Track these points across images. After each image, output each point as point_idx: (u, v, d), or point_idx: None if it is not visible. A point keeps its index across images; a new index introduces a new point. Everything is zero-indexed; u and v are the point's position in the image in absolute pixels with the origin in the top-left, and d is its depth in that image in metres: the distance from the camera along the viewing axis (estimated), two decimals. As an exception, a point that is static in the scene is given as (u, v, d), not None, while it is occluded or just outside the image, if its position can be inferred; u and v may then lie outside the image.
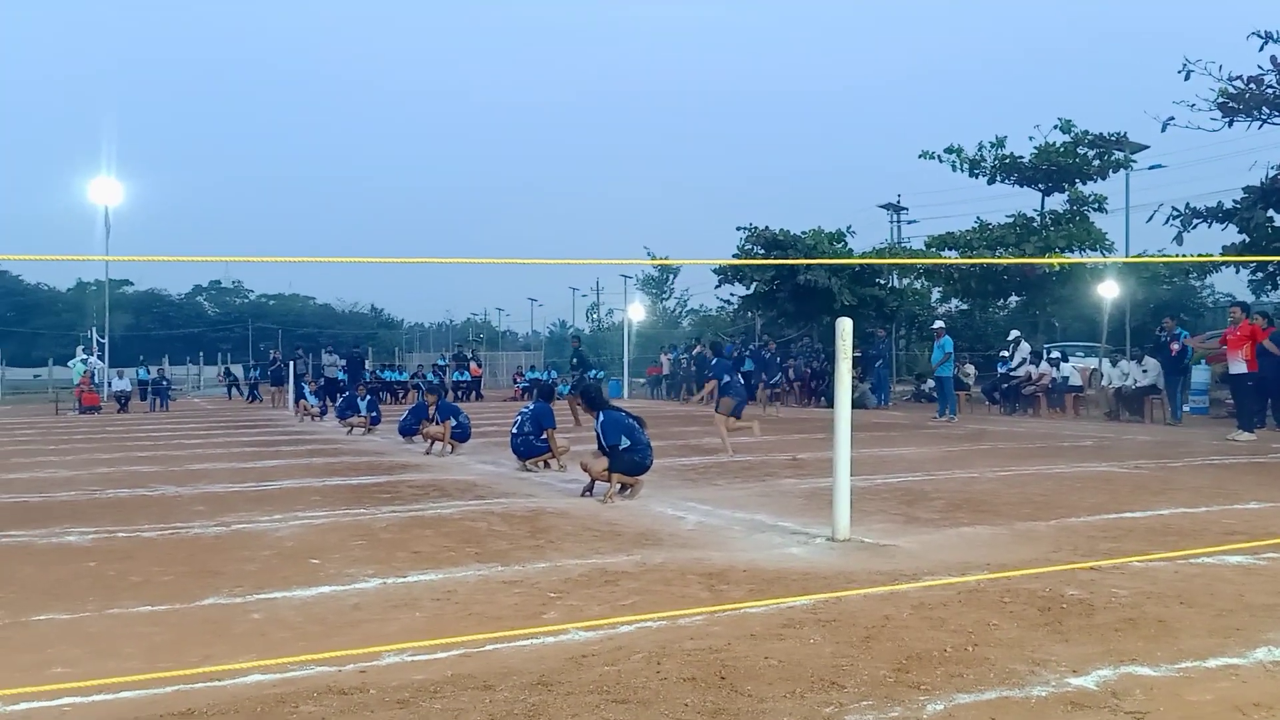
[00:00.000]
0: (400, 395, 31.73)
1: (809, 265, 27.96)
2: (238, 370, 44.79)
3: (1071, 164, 26.01)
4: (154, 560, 6.05)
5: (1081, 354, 25.64)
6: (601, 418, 8.70)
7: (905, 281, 33.55)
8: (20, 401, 38.03)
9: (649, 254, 49.69)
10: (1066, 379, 20.49)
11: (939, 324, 21.95)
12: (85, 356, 33.63)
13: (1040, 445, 13.57)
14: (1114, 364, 19.79)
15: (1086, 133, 25.94)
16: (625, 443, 8.48)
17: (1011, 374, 21.45)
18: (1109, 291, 23.52)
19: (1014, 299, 30.95)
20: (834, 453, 6.38)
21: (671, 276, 63.26)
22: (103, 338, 40.05)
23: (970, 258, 25.95)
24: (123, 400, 30.04)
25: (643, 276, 60.43)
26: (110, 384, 32.79)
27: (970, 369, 24.55)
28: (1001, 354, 22.71)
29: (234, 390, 39.25)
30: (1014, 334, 22.52)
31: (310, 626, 4.48)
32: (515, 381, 38.16)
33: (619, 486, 8.52)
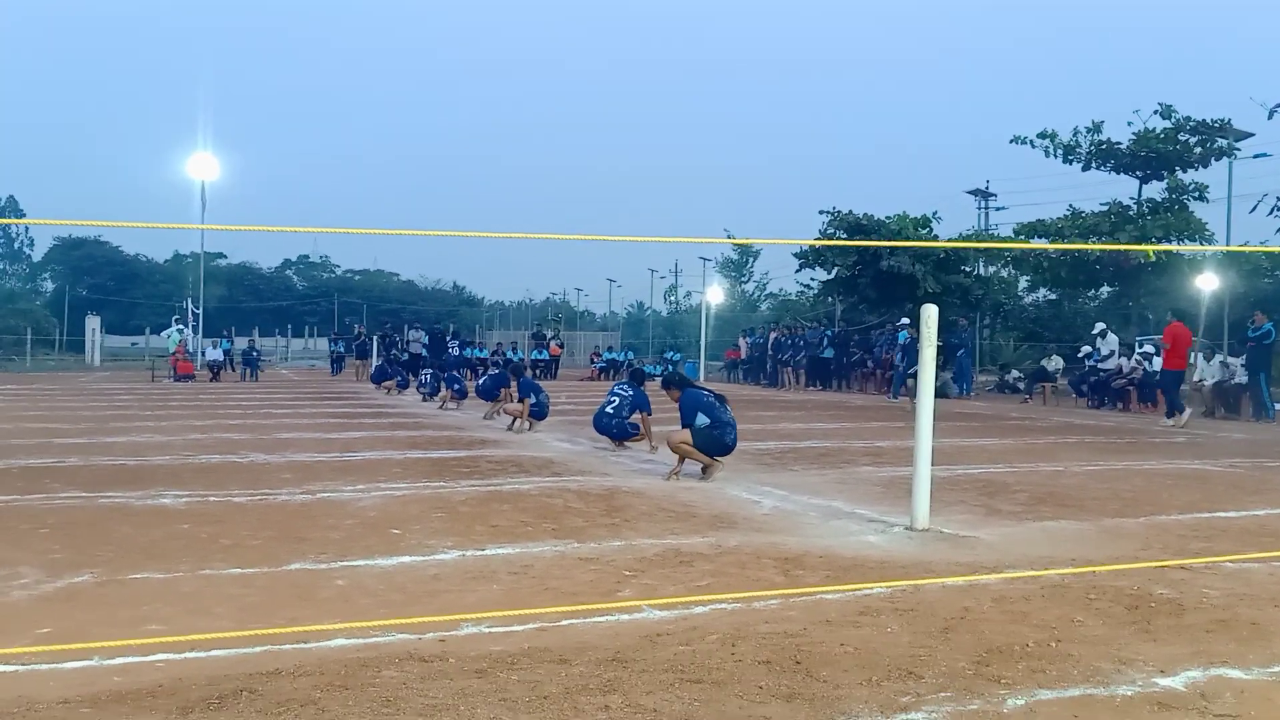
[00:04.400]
0: (480, 372, 32.19)
1: (892, 250, 27.54)
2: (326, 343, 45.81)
3: (1171, 151, 25.12)
4: (244, 525, 6.25)
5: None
6: (681, 397, 8.76)
7: (992, 269, 32.80)
8: (118, 368, 39.57)
9: (728, 235, 49.46)
10: (1157, 373, 19.84)
11: (904, 320, 23.72)
12: (180, 326, 34.80)
13: (1130, 440, 13.19)
14: (1208, 359, 19.10)
15: (1188, 119, 25.02)
16: (704, 420, 8.51)
17: (1100, 367, 20.85)
18: (1207, 284, 22.72)
19: (1105, 289, 30.10)
20: (915, 441, 6.28)
21: (751, 259, 62.96)
22: (197, 309, 41.39)
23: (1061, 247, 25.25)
24: (215, 369, 31.02)
25: (722, 259, 60.29)
26: (204, 353, 33.87)
27: (1058, 360, 23.91)
28: (1085, 348, 22.08)
29: (337, 365, 35.95)
30: (1099, 326, 21.87)
31: (391, 594, 4.59)
32: (593, 362, 38.40)
33: (692, 465, 8.54)
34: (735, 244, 54.81)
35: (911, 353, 22.63)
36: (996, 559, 5.41)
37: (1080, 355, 22.16)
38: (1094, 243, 24.72)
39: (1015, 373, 25.82)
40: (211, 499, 7.24)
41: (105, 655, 3.62)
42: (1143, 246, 22.46)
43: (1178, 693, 3.30)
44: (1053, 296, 35.43)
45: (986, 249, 30.07)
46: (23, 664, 3.55)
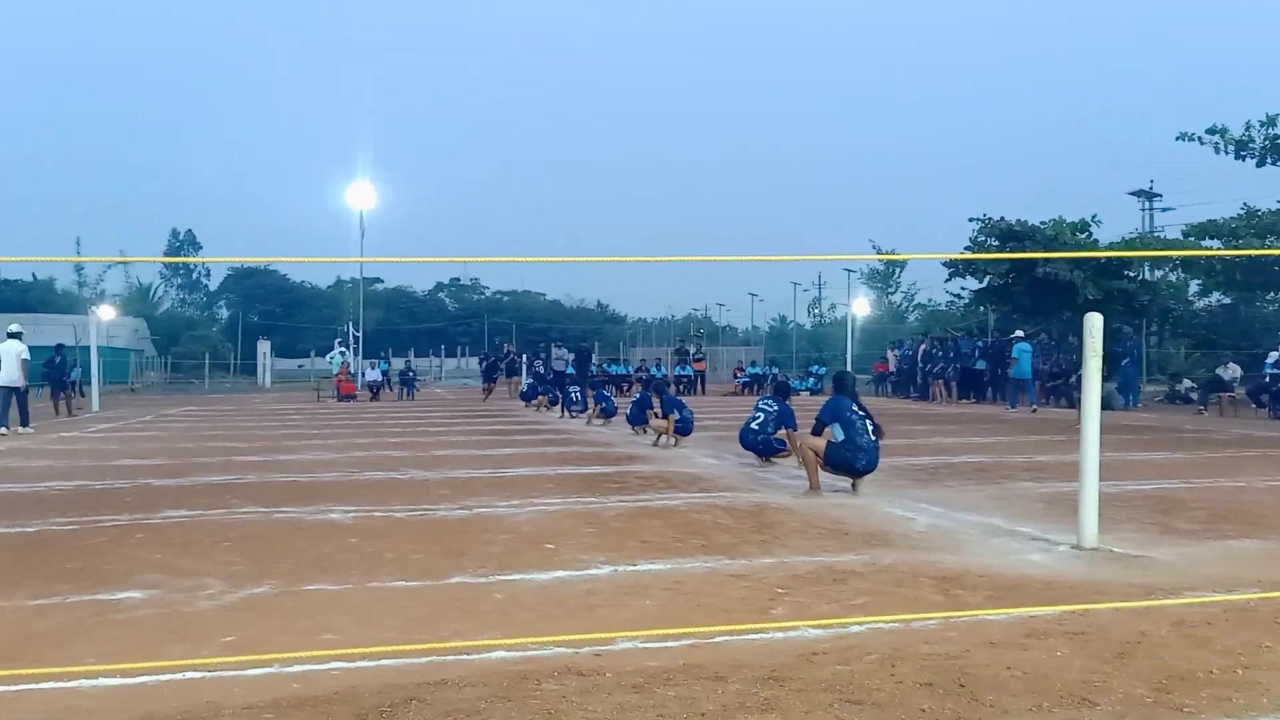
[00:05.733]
0: (625, 388, 32.52)
1: (1048, 258, 26.47)
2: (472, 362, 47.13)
3: (1356, 143, 23.32)
4: (407, 539, 6.50)
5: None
6: (826, 401, 8.91)
7: (1159, 274, 31.11)
8: (286, 389, 41.82)
9: (874, 248, 48.52)
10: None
11: (1018, 332, 23.98)
12: (342, 349, 36.49)
13: (1319, 453, 12.24)
14: None
15: (1375, 106, 23.16)
16: (839, 434, 8.42)
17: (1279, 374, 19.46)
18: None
19: (1286, 292, 28.14)
20: (1081, 455, 6.01)
21: (898, 270, 61.54)
22: (357, 332, 43.36)
23: (1235, 247, 23.74)
24: (374, 389, 32.39)
25: (867, 270, 59.14)
26: (363, 374, 35.43)
27: (1235, 369, 22.43)
28: (1273, 354, 20.63)
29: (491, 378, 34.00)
30: (1287, 330, 20.42)
31: (548, 608, 4.68)
32: (735, 377, 38.24)
33: (841, 482, 8.45)
34: (882, 259, 53.71)
35: (1025, 363, 22.12)
36: (1174, 580, 5.11)
37: (1269, 362, 20.71)
38: (1271, 243, 23.13)
39: (1187, 382, 24.34)
40: (376, 514, 7.56)
41: (284, 663, 3.83)
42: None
43: (1387, 728, 3.04)
44: (1227, 301, 33.29)
45: (1153, 256, 28.51)
46: (210, 670, 3.79)
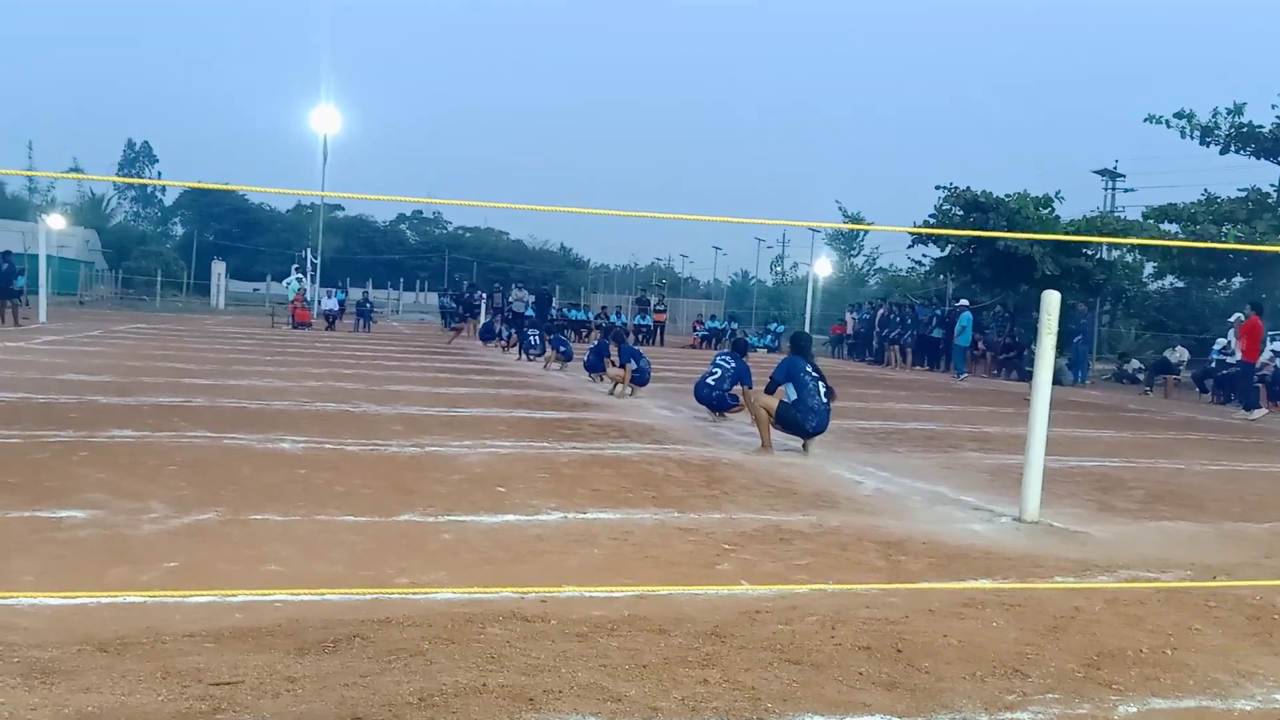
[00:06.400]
0: (584, 334, 32.45)
1: (1009, 231, 26.68)
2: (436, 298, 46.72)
3: (1320, 136, 23.66)
4: (357, 473, 6.46)
5: (1310, 346, 23.46)
6: (782, 360, 8.98)
7: (1116, 254, 31.51)
8: (240, 313, 41.21)
9: (840, 208, 48.57)
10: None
11: (963, 301, 24.74)
12: (299, 276, 35.95)
13: (1257, 440, 12.58)
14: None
15: (1342, 102, 23.49)
16: (791, 394, 8.49)
17: (1228, 361, 19.88)
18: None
19: (1238, 279, 28.66)
20: (1029, 429, 6.11)
21: (861, 233, 61.73)
22: (315, 259, 42.72)
23: (1193, 232, 24.08)
24: (330, 319, 32.02)
25: (831, 231, 59.25)
26: (320, 302, 34.99)
27: (1182, 352, 22.88)
28: (1220, 340, 21.05)
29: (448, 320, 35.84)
30: (1236, 317, 20.82)
31: (496, 552, 4.69)
32: (695, 330, 38.33)
33: (793, 442, 8.57)
34: (846, 228, 53.83)
35: (966, 334, 22.68)
36: (1110, 558, 5.24)
37: (1216, 348, 21.14)
38: (1229, 230, 23.49)
39: (1135, 363, 24.79)
40: (327, 446, 7.50)
41: (228, 592, 3.81)
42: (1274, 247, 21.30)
43: (1302, 713, 3.16)
44: (1180, 284, 33.86)
45: (1113, 241, 28.82)
46: (151, 595, 3.76)
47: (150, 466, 6.28)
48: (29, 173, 63.46)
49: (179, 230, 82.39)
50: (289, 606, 3.69)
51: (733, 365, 10.72)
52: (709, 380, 10.71)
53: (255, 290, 61.83)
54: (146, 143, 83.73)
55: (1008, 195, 28.44)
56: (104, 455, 6.57)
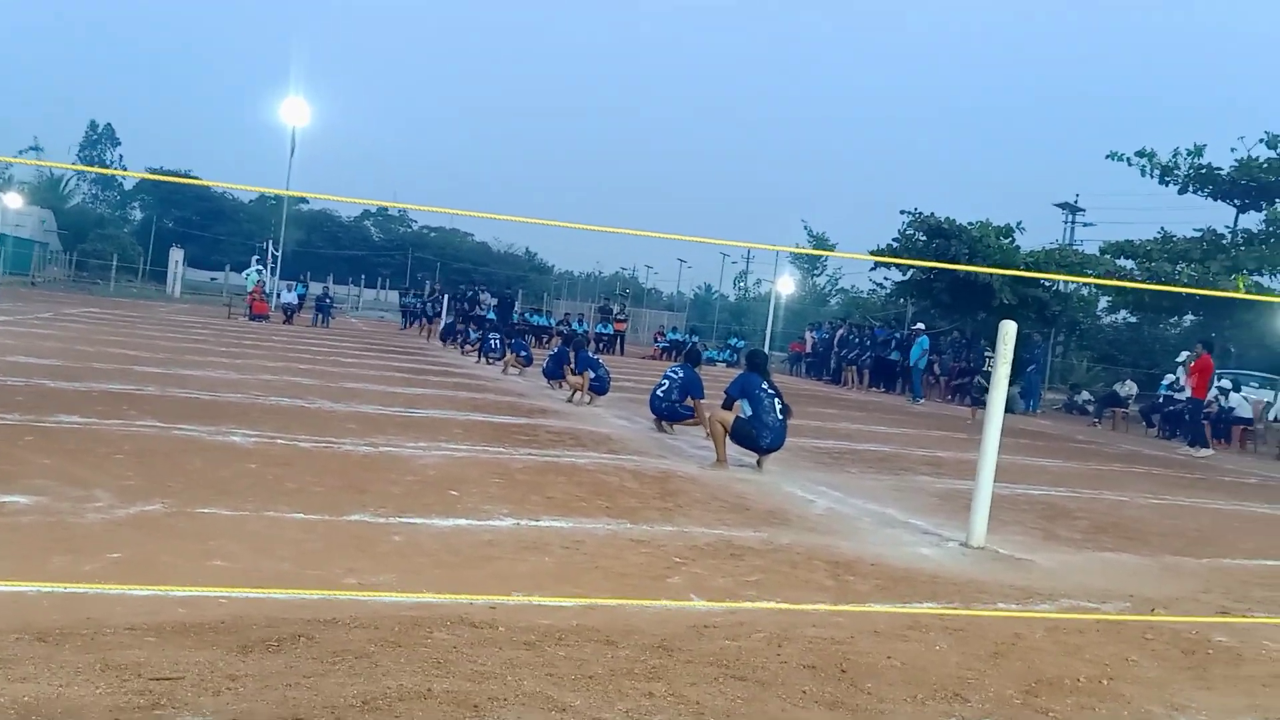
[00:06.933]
0: (545, 340, 32.38)
1: (971, 256, 27.08)
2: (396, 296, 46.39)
3: (1274, 182, 24.31)
4: (308, 470, 6.41)
5: (1256, 385, 24.03)
6: (738, 375, 9.08)
7: (1072, 286, 32.07)
8: (197, 301, 40.63)
9: (806, 228, 48.94)
10: (1233, 409, 19.30)
11: (919, 325, 25.37)
12: (259, 267, 35.54)
13: (1199, 476, 12.85)
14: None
15: (1296, 150, 24.13)
16: (747, 410, 8.54)
17: (1176, 397, 20.30)
18: (1297, 323, 21.92)
19: (1190, 318, 29.27)
20: (980, 456, 6.20)
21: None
22: (276, 250, 42.25)
23: (1149, 269, 24.55)
24: (289, 312, 31.67)
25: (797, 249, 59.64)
26: (279, 295, 34.59)
27: (1131, 386, 23.32)
28: (1169, 376, 21.49)
29: (408, 319, 36.51)
30: (1184, 355, 21.26)
31: (446, 556, 4.67)
32: (656, 341, 38.39)
33: (748, 458, 8.63)
34: (807, 253, 54.30)
35: (920, 358, 23.08)
36: (1052, 586, 5.33)
37: (1165, 383, 21.58)
38: (1183, 269, 23.99)
39: (1086, 394, 25.22)
40: (279, 441, 7.42)
41: (171, 586, 3.76)
42: (1230, 293, 21.79)
43: (1230, 746, 3.23)
44: (1133, 319, 34.53)
45: (1083, 281, 29.30)
46: (93, 586, 3.70)
47: (97, 454, 6.17)
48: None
49: (138, 215, 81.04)
50: (233, 603, 3.65)
51: (680, 375, 10.81)
52: (658, 391, 10.79)
53: (213, 279, 60.95)
54: (109, 124, 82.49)
55: (970, 223, 28.87)
56: (50, 440, 6.45)
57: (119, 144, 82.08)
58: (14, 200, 33.47)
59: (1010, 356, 6.29)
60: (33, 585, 3.62)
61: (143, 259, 55.28)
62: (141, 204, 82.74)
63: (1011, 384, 22.78)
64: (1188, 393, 19.52)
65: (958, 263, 27.24)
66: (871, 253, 31.39)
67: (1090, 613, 4.82)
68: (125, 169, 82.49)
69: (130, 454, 6.31)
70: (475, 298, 32.23)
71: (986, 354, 20.57)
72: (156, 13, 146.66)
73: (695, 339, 34.83)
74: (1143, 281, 24.67)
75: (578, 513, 5.98)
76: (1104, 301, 33.25)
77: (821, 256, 61.58)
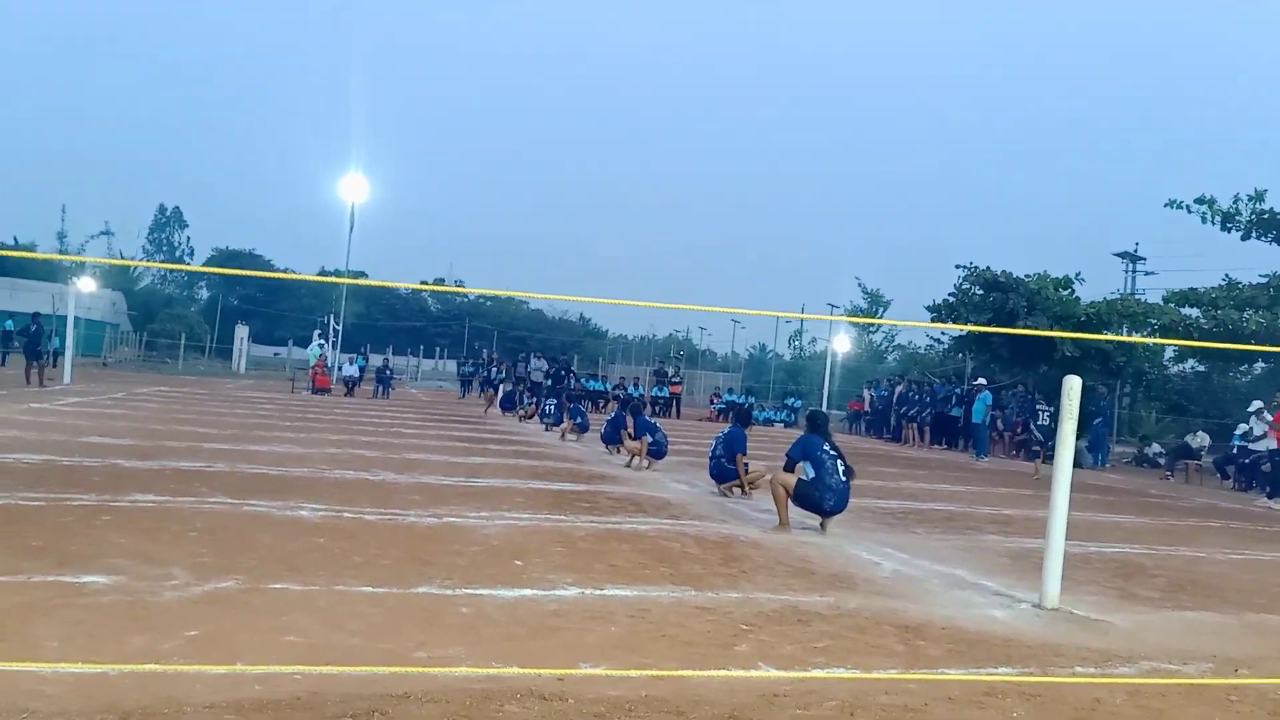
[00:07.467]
0: (601, 405, 32.50)
1: (1029, 312, 26.76)
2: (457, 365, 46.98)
3: (1339, 224, 23.77)
4: (375, 543, 6.49)
5: (1335, 433, 23.22)
6: (799, 437, 9.01)
7: (1137, 335, 31.48)
8: (261, 376, 41.57)
9: (860, 284, 48.82)
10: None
11: (980, 380, 24.96)
12: (321, 341, 36.31)
13: (1279, 530, 12.42)
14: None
15: (1361, 191, 23.62)
16: (809, 472, 8.49)
17: (1252, 447, 19.69)
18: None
19: (1260, 365, 28.53)
20: (1050, 513, 6.09)
21: (881, 309, 61.90)
22: (338, 325, 43.16)
23: (1215, 317, 24.05)
24: (350, 385, 32.23)
25: (850, 306, 59.45)
26: (340, 368, 35.26)
27: (1203, 437, 22.69)
28: (1241, 426, 20.88)
29: (466, 387, 38.22)
30: (1256, 404, 20.68)
31: (513, 627, 4.69)
32: (712, 403, 38.31)
33: (810, 520, 8.56)
34: (857, 321, 54.15)
35: (983, 414, 22.62)
36: (1131, 648, 5.19)
37: (1238, 433, 20.97)
38: (1250, 315, 23.47)
39: (1156, 447, 24.59)
40: (345, 514, 7.54)
41: (247, 663, 3.82)
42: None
43: (1329, 816, 3.11)
44: (1201, 368, 33.69)
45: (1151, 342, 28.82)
46: (171, 665, 3.78)
47: (172, 532, 6.33)
48: (67, 256, 64.66)
49: (204, 294, 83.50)
50: (308, 679, 3.70)
51: (724, 433, 10.93)
52: (709, 453, 10.97)
53: (276, 355, 62.38)
54: (177, 208, 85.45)
55: (1027, 275, 28.57)
56: (126, 520, 6.63)
57: (186, 225, 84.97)
58: (87, 284, 34.77)
59: (1075, 412, 6.20)
60: (114, 666, 3.71)
61: (209, 337, 56.88)
62: (208, 283, 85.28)
63: (1079, 438, 22.35)
64: (1264, 443, 18.97)
65: (1016, 315, 26.95)
66: (928, 308, 31.19)
67: (1172, 675, 4.68)
68: (193, 250, 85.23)
69: (203, 531, 6.45)
70: (527, 362, 32.53)
71: (1039, 406, 20.21)
72: (221, 95, 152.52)
73: (750, 399, 34.76)
74: (1208, 329, 24.17)
75: (642, 580, 5.97)
76: (1170, 351, 32.54)
77: (877, 313, 61.28)
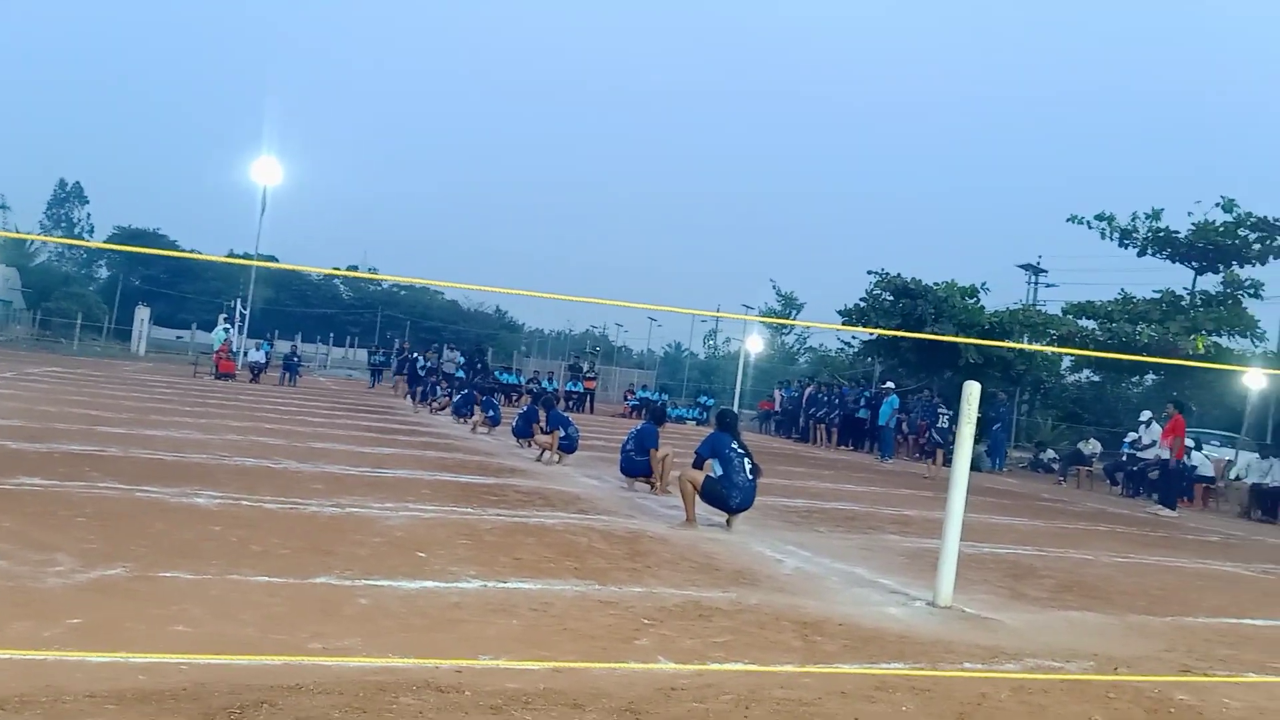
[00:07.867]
0: (514, 398, 32.29)
1: (937, 316, 27.46)
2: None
3: (1230, 245, 24.99)
4: (274, 532, 6.35)
5: (1217, 444, 24.44)
6: (708, 435, 9.12)
7: (1036, 345, 32.55)
8: (162, 360, 40.25)
9: (774, 287, 49.45)
10: (1195, 468, 19.55)
11: (888, 384, 25.60)
12: (227, 325, 35.33)
13: (1162, 535, 12.98)
14: (1264, 457, 18.79)
15: (1250, 214, 24.87)
16: (717, 470, 8.60)
17: (1138, 455, 20.55)
18: (1255, 382, 22.36)
19: (1150, 377, 29.76)
20: (946, 515, 6.26)
21: (794, 312, 62.80)
22: (245, 309, 42.02)
23: (1110, 330, 25.01)
24: (256, 371, 31.41)
25: (765, 307, 60.19)
26: (246, 354, 34.35)
27: (1095, 444, 23.59)
28: (1131, 434, 21.77)
29: (376, 377, 37.29)
30: (1146, 414, 21.59)
31: (413, 619, 4.64)
32: (626, 399, 38.39)
33: (717, 516, 8.65)
34: (771, 322, 54.91)
35: (889, 417, 23.25)
36: (1018, 645, 5.37)
37: (1127, 441, 21.85)
38: (1143, 329, 24.48)
39: (1051, 452, 25.50)
40: (243, 503, 7.35)
41: (132, 652, 3.71)
42: (1187, 361, 22.23)
43: (1192, 806, 3.26)
44: (1096, 378, 35.04)
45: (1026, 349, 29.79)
46: (52, 653, 3.64)
47: (59, 517, 6.09)
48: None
49: (104, 273, 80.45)
50: (195, 670, 3.60)
51: (637, 429, 11.07)
52: (623, 449, 11.05)
53: (179, 338, 60.42)
54: (78, 183, 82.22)
55: (936, 283, 29.33)
56: (11, 503, 6.36)
57: (87, 202, 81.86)
58: (-22, 258, 33.23)
59: (974, 416, 6.38)
60: (-10, 652, 3.56)
61: (108, 317, 54.75)
62: (109, 261, 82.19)
63: (977, 442, 23.02)
64: (1151, 451, 19.81)
65: (924, 322, 27.65)
66: (840, 312, 31.77)
67: (1055, 672, 4.85)
68: (93, 227, 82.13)
69: (92, 516, 6.23)
70: (440, 354, 32.14)
71: (941, 410, 20.77)
72: (127, 70, 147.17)
73: (664, 397, 34.92)
74: (1104, 340, 25.12)
75: (546, 574, 5.96)
76: (1067, 361, 33.73)
77: (790, 316, 62.13)
